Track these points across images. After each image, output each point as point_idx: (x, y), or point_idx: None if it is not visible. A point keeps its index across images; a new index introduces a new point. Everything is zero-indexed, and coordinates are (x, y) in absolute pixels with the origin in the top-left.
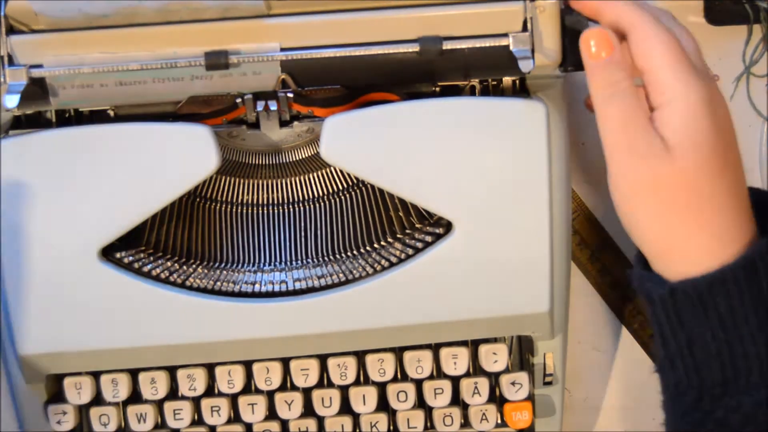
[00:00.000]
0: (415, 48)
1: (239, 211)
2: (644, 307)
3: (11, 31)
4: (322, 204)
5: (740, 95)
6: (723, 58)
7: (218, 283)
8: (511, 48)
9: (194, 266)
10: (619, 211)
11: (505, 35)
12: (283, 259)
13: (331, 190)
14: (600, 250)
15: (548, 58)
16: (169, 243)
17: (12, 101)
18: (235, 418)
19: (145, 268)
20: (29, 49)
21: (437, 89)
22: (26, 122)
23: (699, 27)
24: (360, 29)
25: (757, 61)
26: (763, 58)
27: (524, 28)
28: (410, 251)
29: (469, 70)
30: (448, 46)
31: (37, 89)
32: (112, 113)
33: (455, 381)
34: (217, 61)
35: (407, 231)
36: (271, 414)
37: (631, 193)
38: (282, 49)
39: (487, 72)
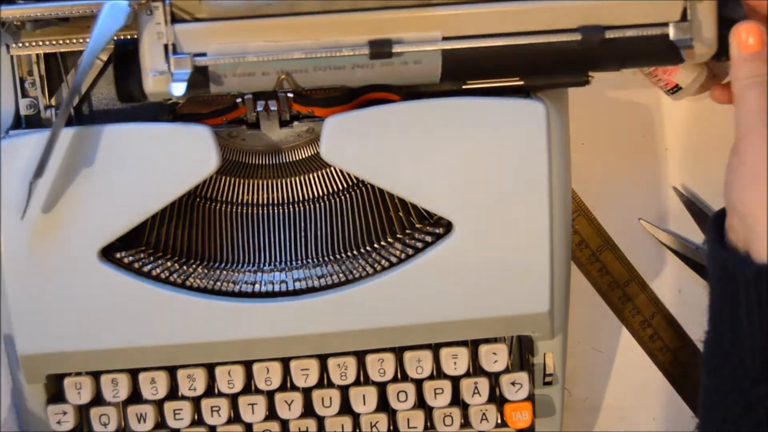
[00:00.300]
0: (576, 37)
1: (239, 211)
2: (644, 307)
3: (175, 19)
4: (322, 204)
5: None
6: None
7: (218, 283)
8: (671, 37)
9: (194, 266)
10: (739, 188)
11: (665, 24)
12: (283, 259)
13: (331, 190)
14: (600, 250)
15: (706, 46)
16: (169, 243)
17: (179, 89)
18: (235, 418)
19: (145, 268)
20: (193, 37)
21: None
22: (26, 122)
23: None
24: (521, 18)
25: None
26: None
27: (683, 18)
28: (410, 251)
29: (626, 59)
30: (610, 35)
31: (199, 77)
32: None
33: (455, 381)
34: (381, 49)
35: (407, 231)
36: (271, 414)
37: (760, 172)
38: (444, 38)
39: (644, 61)
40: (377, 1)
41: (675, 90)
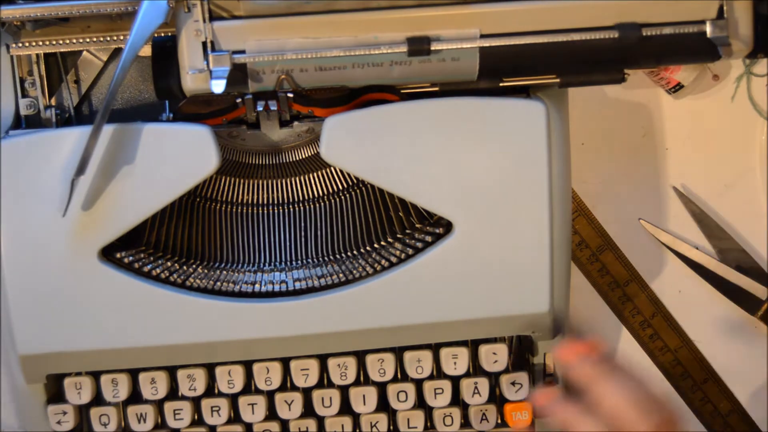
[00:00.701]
0: (613, 34)
1: (239, 211)
2: (644, 307)
3: (213, 17)
4: (322, 204)
5: (740, 95)
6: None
7: (218, 283)
8: (708, 35)
9: (194, 266)
10: None
11: (702, 22)
12: (283, 259)
13: (331, 190)
14: (600, 250)
15: (743, 44)
16: (169, 243)
17: (219, 86)
18: (235, 418)
19: (145, 268)
20: (231, 35)
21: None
22: (26, 122)
23: None
24: (557, 16)
25: (757, 61)
26: (763, 58)
27: (720, 15)
28: (410, 251)
29: (662, 56)
30: (647, 32)
31: (238, 74)
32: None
33: (455, 381)
34: (419, 46)
35: (407, 231)
36: (271, 414)
37: None
38: (481, 36)
39: (681, 58)
40: None
41: (677, 88)
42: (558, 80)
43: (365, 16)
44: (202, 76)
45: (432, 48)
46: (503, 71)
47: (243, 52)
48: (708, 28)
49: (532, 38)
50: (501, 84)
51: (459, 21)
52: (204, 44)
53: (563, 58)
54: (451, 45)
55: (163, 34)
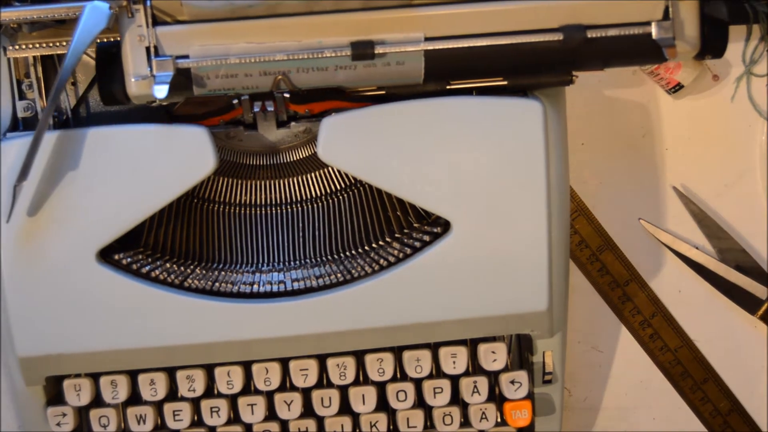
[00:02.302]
0: (558, 37)
1: (237, 212)
2: (644, 307)
3: (156, 22)
4: (320, 204)
5: (740, 95)
6: (723, 58)
7: (217, 284)
8: (654, 36)
9: (192, 267)
10: None
11: (648, 23)
12: (282, 259)
13: (328, 191)
14: (600, 250)
15: (689, 45)
16: (168, 244)
17: (161, 92)
18: (234, 418)
19: (144, 270)
20: (175, 40)
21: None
22: (23, 124)
23: None
24: (503, 18)
25: (757, 61)
26: (763, 58)
27: (665, 17)
28: (408, 251)
29: (609, 58)
30: (592, 34)
31: (182, 79)
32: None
33: (454, 380)
34: (363, 51)
35: (405, 230)
36: (271, 414)
37: None
38: (426, 39)
39: (627, 60)
40: (360, 1)
41: (677, 89)
42: (505, 82)
43: (309, 20)
44: (146, 81)
45: (376, 52)
46: (449, 74)
47: (187, 57)
48: (653, 30)
49: (477, 41)
50: (448, 87)
51: (404, 24)
52: (147, 49)
53: (509, 60)
54: (396, 48)
55: (107, 40)
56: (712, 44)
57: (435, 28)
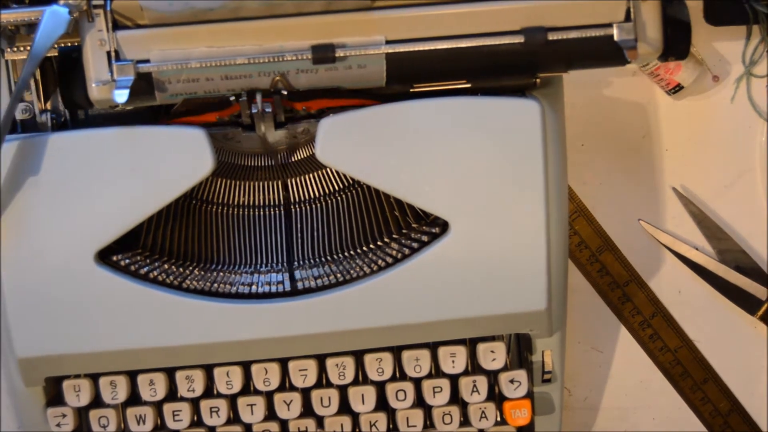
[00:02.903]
0: (519, 39)
1: (235, 212)
2: (644, 308)
3: (117, 26)
4: (318, 205)
5: (740, 95)
6: (723, 58)
7: (215, 285)
8: (615, 38)
9: (191, 268)
10: None
11: (609, 25)
12: (280, 259)
13: (327, 191)
14: (600, 250)
15: (651, 47)
16: (166, 245)
17: (122, 96)
18: (234, 418)
19: (142, 271)
20: (135, 44)
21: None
22: (21, 127)
23: (699, 27)
24: (464, 21)
25: (757, 61)
26: (763, 59)
27: (627, 18)
28: (407, 251)
29: (571, 60)
30: (552, 36)
31: (143, 84)
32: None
33: (454, 379)
34: (324, 54)
35: (404, 231)
36: (271, 414)
37: None
38: (387, 42)
39: (590, 62)
40: (321, 4)
41: (677, 89)
42: (468, 85)
43: (271, 24)
44: (107, 86)
45: (337, 55)
46: (411, 77)
47: (147, 61)
48: (615, 31)
49: (438, 44)
50: (411, 90)
51: (365, 27)
52: (108, 54)
53: (471, 63)
54: (357, 52)
55: (70, 44)
56: (674, 46)
57: (396, 31)
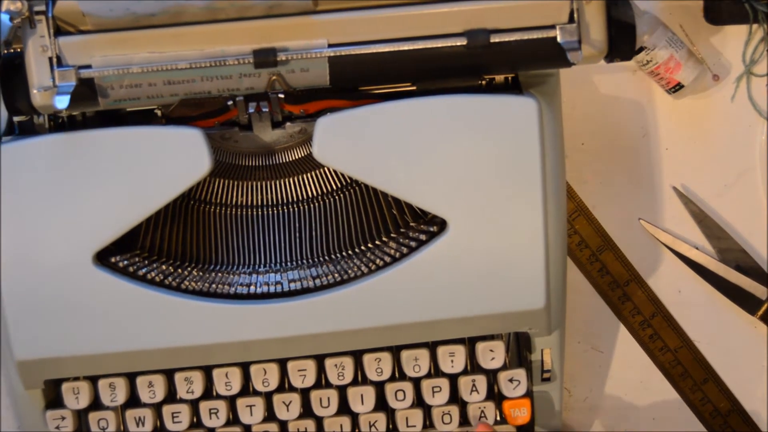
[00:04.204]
0: (462, 41)
1: (233, 213)
2: (644, 307)
3: (59, 32)
4: (316, 204)
5: (740, 95)
6: (723, 58)
7: (214, 286)
8: (558, 40)
9: (189, 269)
10: None
11: (552, 27)
12: (278, 260)
13: (324, 191)
14: (600, 250)
15: (595, 49)
16: (164, 246)
17: (63, 102)
18: (233, 420)
19: (140, 272)
20: (77, 50)
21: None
22: (19, 128)
23: (699, 27)
24: (407, 24)
25: (757, 60)
26: (763, 58)
27: (571, 20)
28: (405, 250)
29: (516, 62)
30: (495, 39)
31: (86, 90)
32: (159, 113)
33: (453, 379)
34: (265, 58)
35: (402, 230)
36: (270, 415)
37: None
38: (329, 45)
39: (534, 64)
40: (263, 8)
41: (677, 88)
42: (413, 87)
43: (212, 28)
44: (49, 92)
45: (279, 59)
46: (356, 80)
47: (89, 66)
48: (558, 33)
49: (381, 47)
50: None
51: (307, 31)
52: (50, 60)
53: (415, 65)
54: (299, 55)
55: (13, 50)
56: (619, 47)
57: (339, 35)
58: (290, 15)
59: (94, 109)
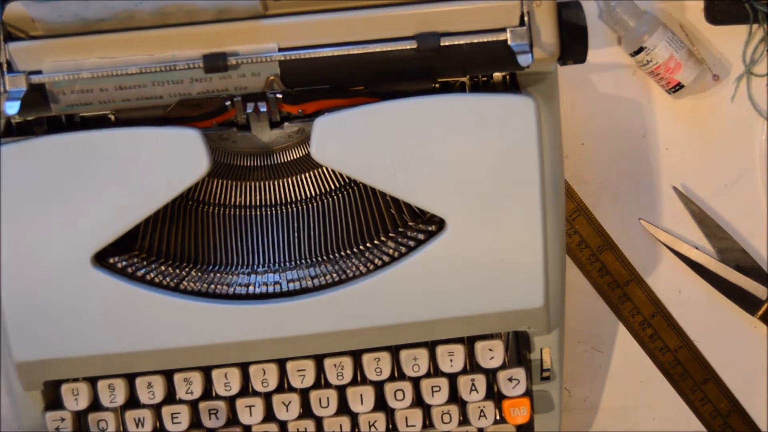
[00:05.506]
0: (412, 45)
1: (232, 213)
2: (644, 307)
3: (9, 38)
4: (314, 204)
5: (740, 95)
6: (723, 58)
7: (212, 286)
8: (509, 43)
9: (188, 269)
10: None
11: (503, 30)
12: (277, 260)
13: (323, 190)
14: (600, 249)
15: (547, 52)
16: (162, 247)
17: (13, 108)
18: (233, 420)
19: (139, 273)
20: (28, 55)
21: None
22: (17, 130)
23: (699, 27)
24: (357, 27)
25: (758, 60)
26: (764, 58)
27: (521, 23)
28: (403, 249)
29: (467, 65)
30: (445, 42)
31: (37, 95)
32: (113, 117)
33: (452, 378)
34: (215, 63)
35: (400, 229)
36: (269, 415)
37: None
38: (280, 49)
39: (485, 67)
40: (212, 13)
41: (677, 88)
42: (366, 90)
43: (162, 33)
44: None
45: (229, 63)
46: (307, 83)
47: (40, 72)
48: (508, 36)
49: (330, 51)
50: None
51: (257, 35)
52: (0, 65)
53: (367, 68)
54: (249, 59)
55: None
56: (572, 49)
57: (289, 38)
58: (240, 19)
59: (45, 114)
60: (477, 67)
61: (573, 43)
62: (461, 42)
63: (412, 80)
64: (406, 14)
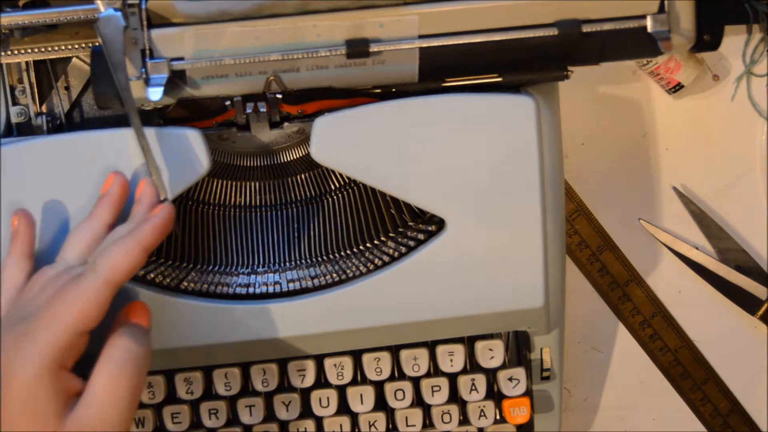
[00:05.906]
0: (553, 32)
1: (232, 213)
2: (644, 307)
3: (151, 24)
4: (314, 204)
5: (740, 95)
6: (723, 58)
7: (212, 286)
8: (649, 30)
9: (188, 270)
10: None
11: (643, 17)
12: (277, 260)
13: (322, 190)
14: (600, 250)
15: (684, 38)
16: (163, 247)
17: (156, 94)
18: (233, 420)
19: (139, 273)
20: (169, 42)
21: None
22: (17, 130)
23: None
24: (498, 14)
25: (758, 60)
26: (764, 58)
27: (661, 10)
28: (403, 249)
29: (605, 52)
30: (587, 29)
31: (177, 81)
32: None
33: (452, 378)
34: (358, 49)
35: (400, 229)
36: (270, 415)
37: None
38: (420, 37)
39: (623, 54)
40: (353, 0)
41: (677, 88)
42: (500, 79)
43: (301, 20)
44: (140, 83)
45: (371, 50)
46: (444, 71)
47: (181, 59)
48: (649, 23)
49: (470, 38)
50: (444, 84)
51: (398, 23)
52: (142, 52)
53: (504, 56)
54: (390, 46)
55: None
56: (709, 37)
57: (429, 26)
58: (380, 7)
59: (181, 97)
60: (614, 54)
61: (709, 32)
62: (602, 29)
63: (547, 68)
64: (547, 2)
